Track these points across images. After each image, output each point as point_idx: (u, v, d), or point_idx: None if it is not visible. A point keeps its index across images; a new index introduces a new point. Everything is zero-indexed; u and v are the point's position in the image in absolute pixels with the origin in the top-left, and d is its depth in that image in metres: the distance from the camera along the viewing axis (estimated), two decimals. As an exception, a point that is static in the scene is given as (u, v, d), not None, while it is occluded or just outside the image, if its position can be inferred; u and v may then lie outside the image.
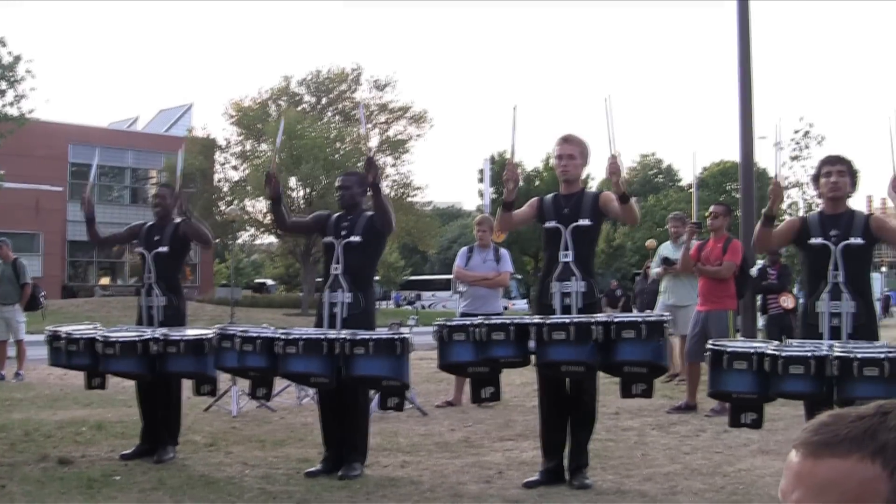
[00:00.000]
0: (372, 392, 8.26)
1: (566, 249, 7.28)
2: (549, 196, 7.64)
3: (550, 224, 7.40)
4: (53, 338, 8.41)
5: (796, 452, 1.30)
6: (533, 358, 7.07)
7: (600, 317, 6.85)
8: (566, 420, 7.33)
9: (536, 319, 6.90)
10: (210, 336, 7.96)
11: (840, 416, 1.30)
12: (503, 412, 10.89)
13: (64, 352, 8.36)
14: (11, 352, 15.36)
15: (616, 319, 6.81)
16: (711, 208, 11.80)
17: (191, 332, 8.24)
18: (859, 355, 5.99)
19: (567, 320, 6.78)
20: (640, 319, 6.83)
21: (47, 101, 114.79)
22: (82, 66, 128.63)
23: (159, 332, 8.16)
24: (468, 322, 7.22)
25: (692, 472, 7.62)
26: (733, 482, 7.29)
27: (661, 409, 11.01)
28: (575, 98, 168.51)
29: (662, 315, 7.06)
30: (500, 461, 8.13)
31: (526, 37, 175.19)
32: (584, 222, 7.31)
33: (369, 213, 8.04)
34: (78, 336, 8.31)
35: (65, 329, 8.50)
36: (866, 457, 1.24)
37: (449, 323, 7.27)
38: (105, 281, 54.33)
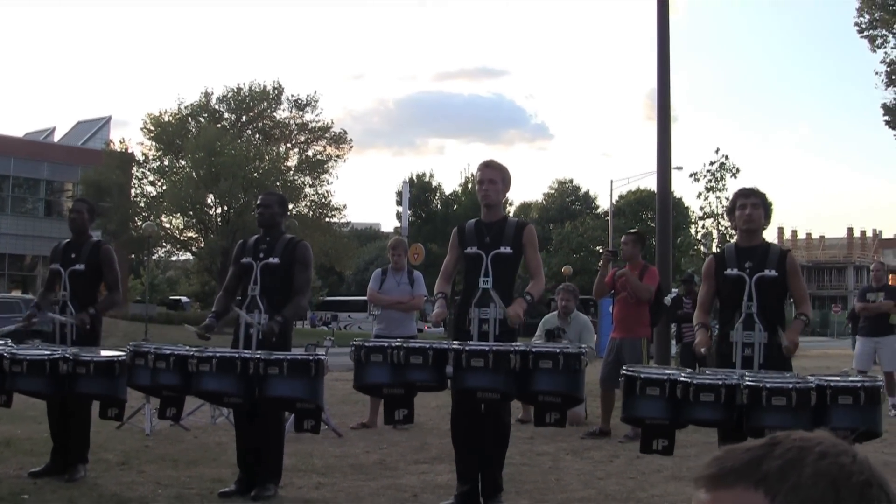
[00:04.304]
0: (287, 412, 8.22)
1: (486, 276, 7.30)
2: (471, 222, 7.68)
3: (472, 250, 7.43)
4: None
5: (696, 487, 1.35)
6: (449, 382, 7.09)
7: (519, 345, 6.89)
8: (480, 444, 7.34)
9: (455, 345, 6.90)
10: (122, 358, 7.85)
11: (732, 449, 1.35)
12: (418, 435, 10.90)
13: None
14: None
15: (534, 349, 6.84)
16: (623, 237, 11.99)
17: (102, 354, 8.09)
18: (768, 384, 6.12)
19: (486, 348, 6.79)
20: (557, 350, 6.85)
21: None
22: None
23: (70, 351, 7.99)
24: (386, 344, 7.18)
25: (606, 498, 7.69)
26: (645, 508, 7.37)
27: (575, 434, 11.09)
28: (498, 122, 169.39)
29: (580, 347, 7.11)
30: (416, 484, 8.13)
31: (445, 60, 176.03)
32: (505, 250, 7.35)
33: (288, 236, 8.06)
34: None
35: None
36: (750, 485, 1.29)
37: (366, 344, 7.25)
38: (16, 294, 53.25)
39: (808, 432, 1.35)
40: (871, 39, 33.50)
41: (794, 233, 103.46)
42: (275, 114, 53.42)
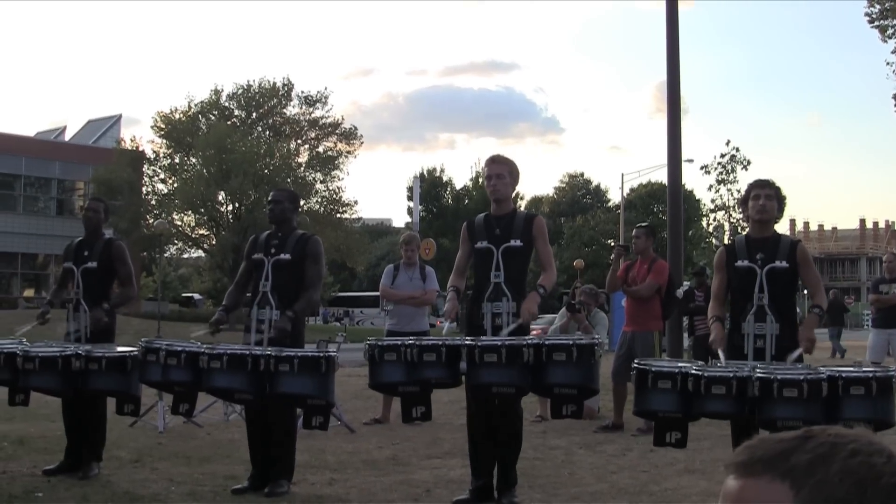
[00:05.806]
0: (299, 409, 8.21)
1: (497, 270, 7.30)
2: (480, 216, 7.68)
3: (482, 244, 7.43)
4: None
5: (726, 473, 1.35)
6: (463, 378, 7.07)
7: (532, 339, 6.88)
8: (494, 439, 7.34)
9: (468, 341, 6.87)
10: (134, 353, 7.84)
11: (765, 439, 1.35)
12: (431, 430, 10.88)
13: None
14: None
15: (547, 342, 6.84)
16: (634, 231, 11.99)
17: (115, 349, 8.09)
18: (779, 376, 6.09)
19: (499, 342, 6.77)
20: (570, 342, 6.84)
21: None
22: (8, 72, 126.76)
23: (82, 348, 7.99)
24: (399, 342, 7.15)
25: (619, 492, 7.68)
26: (659, 501, 7.36)
27: (587, 428, 11.07)
28: (508, 116, 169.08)
29: (593, 338, 7.10)
30: (429, 479, 8.13)
31: (454, 54, 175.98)
32: (516, 243, 7.34)
33: (300, 232, 8.05)
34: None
35: None
36: (777, 477, 1.29)
37: (380, 343, 7.22)
38: (29, 293, 53.40)
39: (847, 428, 1.35)
40: (882, 29, 33.33)
41: (807, 224, 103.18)
42: (285, 110, 53.43)
